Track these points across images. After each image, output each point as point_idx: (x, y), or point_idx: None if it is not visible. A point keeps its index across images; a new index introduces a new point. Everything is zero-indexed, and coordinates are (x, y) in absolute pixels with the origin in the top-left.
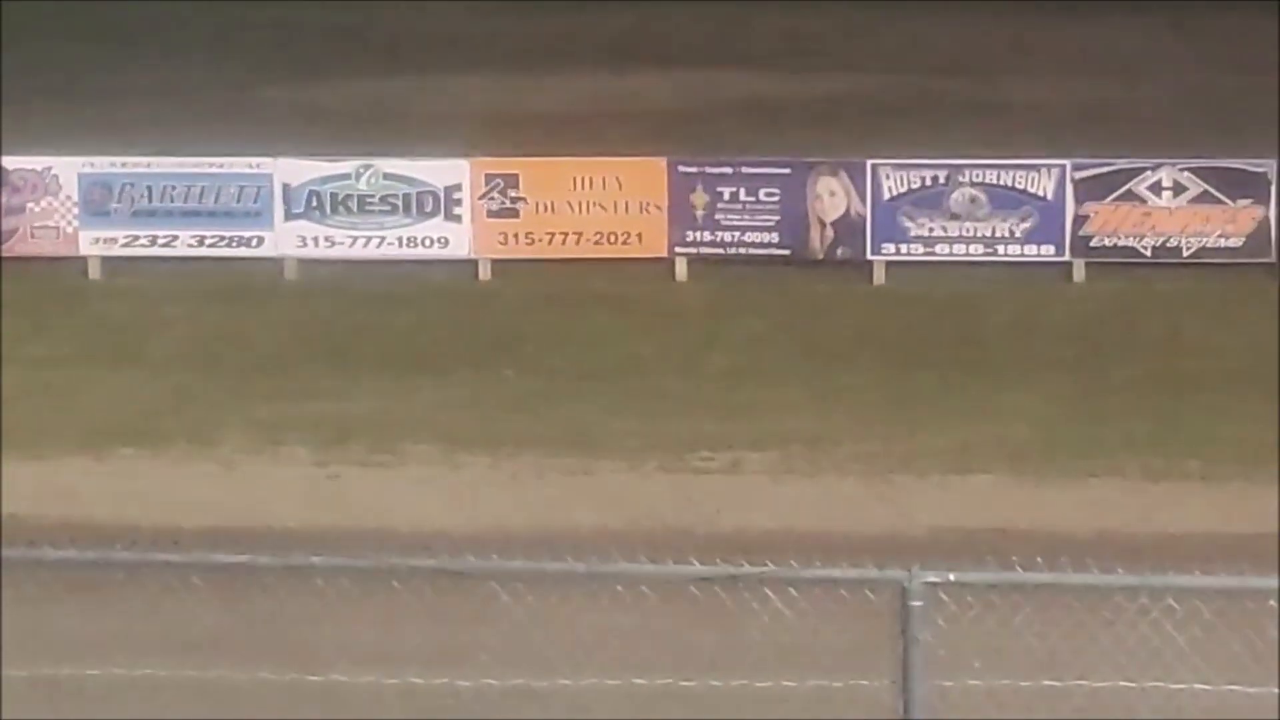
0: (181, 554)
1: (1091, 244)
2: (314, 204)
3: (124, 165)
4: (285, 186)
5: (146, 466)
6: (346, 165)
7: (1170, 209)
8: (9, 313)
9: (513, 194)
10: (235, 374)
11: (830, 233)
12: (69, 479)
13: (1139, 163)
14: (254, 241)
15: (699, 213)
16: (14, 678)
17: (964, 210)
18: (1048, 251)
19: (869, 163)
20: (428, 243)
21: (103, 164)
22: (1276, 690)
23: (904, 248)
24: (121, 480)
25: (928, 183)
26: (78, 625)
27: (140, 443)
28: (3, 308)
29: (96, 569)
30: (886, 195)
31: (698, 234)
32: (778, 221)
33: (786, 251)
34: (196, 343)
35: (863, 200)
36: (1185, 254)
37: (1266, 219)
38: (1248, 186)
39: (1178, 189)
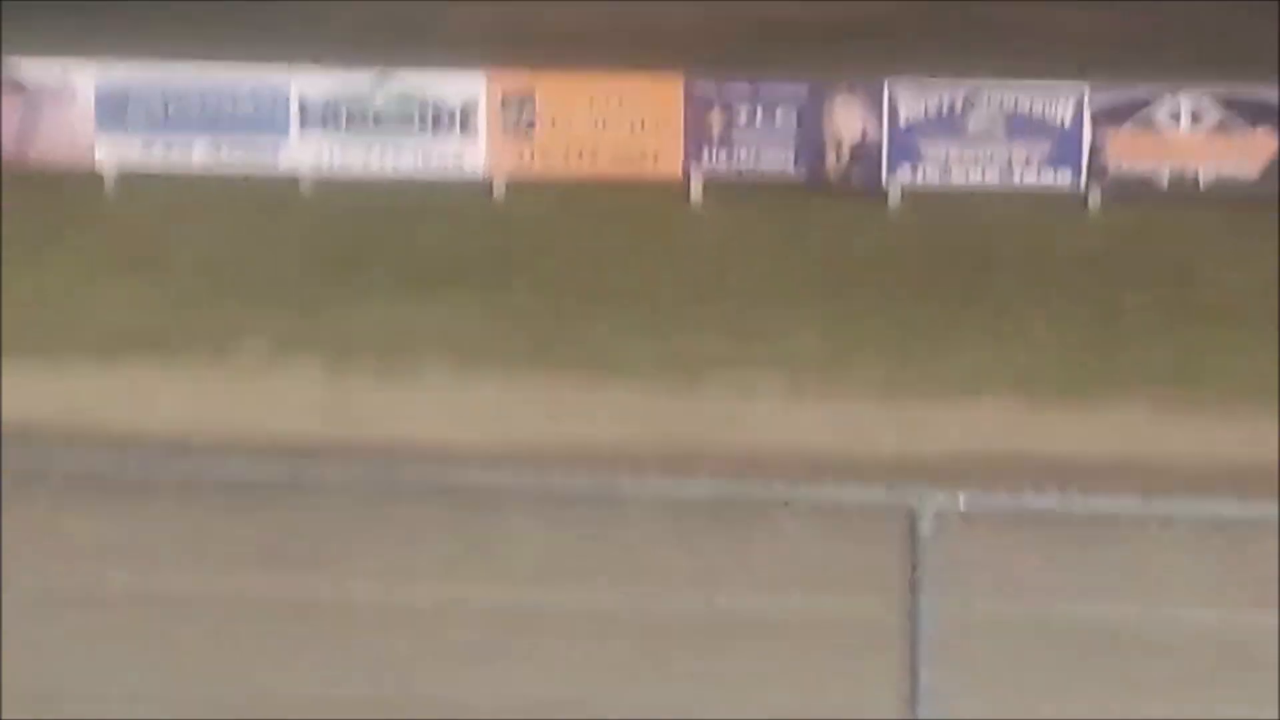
0: (193, 464)
1: (1108, 172)
2: (330, 118)
3: (140, 75)
4: (302, 99)
5: (159, 376)
6: (363, 77)
7: (1188, 137)
8: (24, 222)
9: (529, 112)
10: (249, 286)
11: (846, 156)
12: (82, 387)
13: (1158, 88)
14: (269, 154)
15: (715, 132)
16: (22, 586)
17: (981, 133)
18: (1064, 178)
19: (886, 82)
20: (443, 159)
21: (119, 74)
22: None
23: (920, 172)
24: (134, 389)
25: (945, 105)
26: (88, 534)
27: (153, 352)
28: (16, 217)
29: (108, 478)
30: (903, 118)
31: (713, 154)
32: (794, 143)
33: (802, 174)
34: (211, 254)
35: (879, 123)
36: (1202, 184)
37: None
38: (1268, 116)
39: (1196, 117)
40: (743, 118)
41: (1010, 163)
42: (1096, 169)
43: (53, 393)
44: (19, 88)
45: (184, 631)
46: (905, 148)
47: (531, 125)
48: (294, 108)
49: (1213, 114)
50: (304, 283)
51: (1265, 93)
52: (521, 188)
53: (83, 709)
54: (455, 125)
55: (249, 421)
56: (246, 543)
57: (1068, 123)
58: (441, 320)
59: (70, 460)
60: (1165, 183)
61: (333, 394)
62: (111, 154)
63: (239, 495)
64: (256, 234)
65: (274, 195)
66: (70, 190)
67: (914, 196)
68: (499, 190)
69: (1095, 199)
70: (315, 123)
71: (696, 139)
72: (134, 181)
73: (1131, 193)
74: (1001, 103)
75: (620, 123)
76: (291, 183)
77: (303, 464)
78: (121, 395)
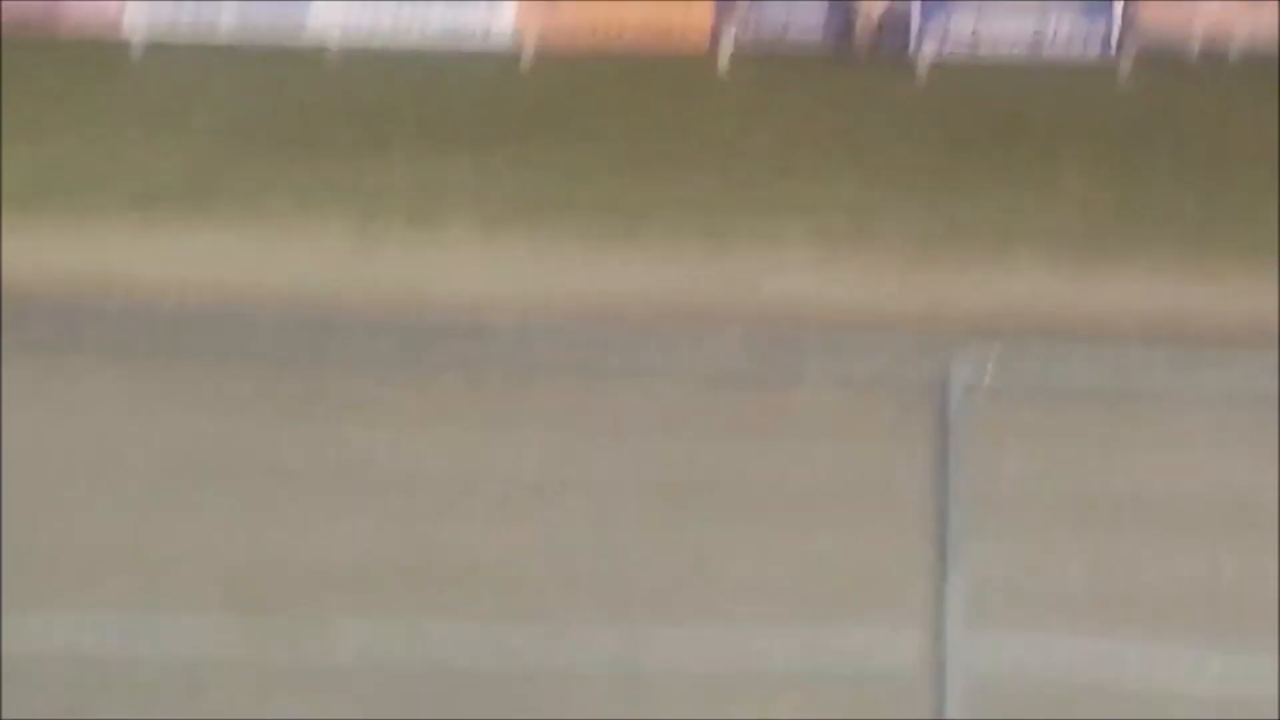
0: (222, 317)
1: (1138, 38)
2: None
3: None
4: None
5: (190, 231)
6: None
7: (1219, 4)
8: (54, 88)
9: None
10: (279, 145)
11: (875, 25)
12: (111, 246)
13: None
14: (296, 20)
15: (742, 1)
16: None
17: (1010, 2)
18: (1094, 47)
19: None
20: (471, 25)
21: None
22: None
23: (948, 41)
24: (163, 248)
25: None
26: (122, 384)
27: (184, 208)
28: (47, 83)
29: (139, 330)
30: None
31: (740, 24)
32: (822, 13)
33: (830, 44)
34: (241, 114)
35: None
36: (1231, 50)
37: None
38: None
39: None
40: None
41: (1040, 31)
42: (1127, 36)
43: (83, 252)
44: None
45: (211, 488)
46: (934, 17)
47: None
48: None
49: None
50: (333, 142)
51: None
52: (549, 54)
53: (98, 568)
54: None
55: (277, 280)
56: (274, 397)
57: None
58: (468, 178)
59: (98, 318)
60: (1195, 48)
61: (360, 252)
62: (139, 22)
63: (265, 351)
64: (284, 96)
65: (301, 60)
66: (99, 58)
67: (942, 65)
68: (527, 56)
69: (1125, 66)
70: None
71: (724, 9)
72: (162, 49)
73: (1161, 59)
74: None
75: None
76: (319, 48)
77: (332, 317)
78: (150, 254)
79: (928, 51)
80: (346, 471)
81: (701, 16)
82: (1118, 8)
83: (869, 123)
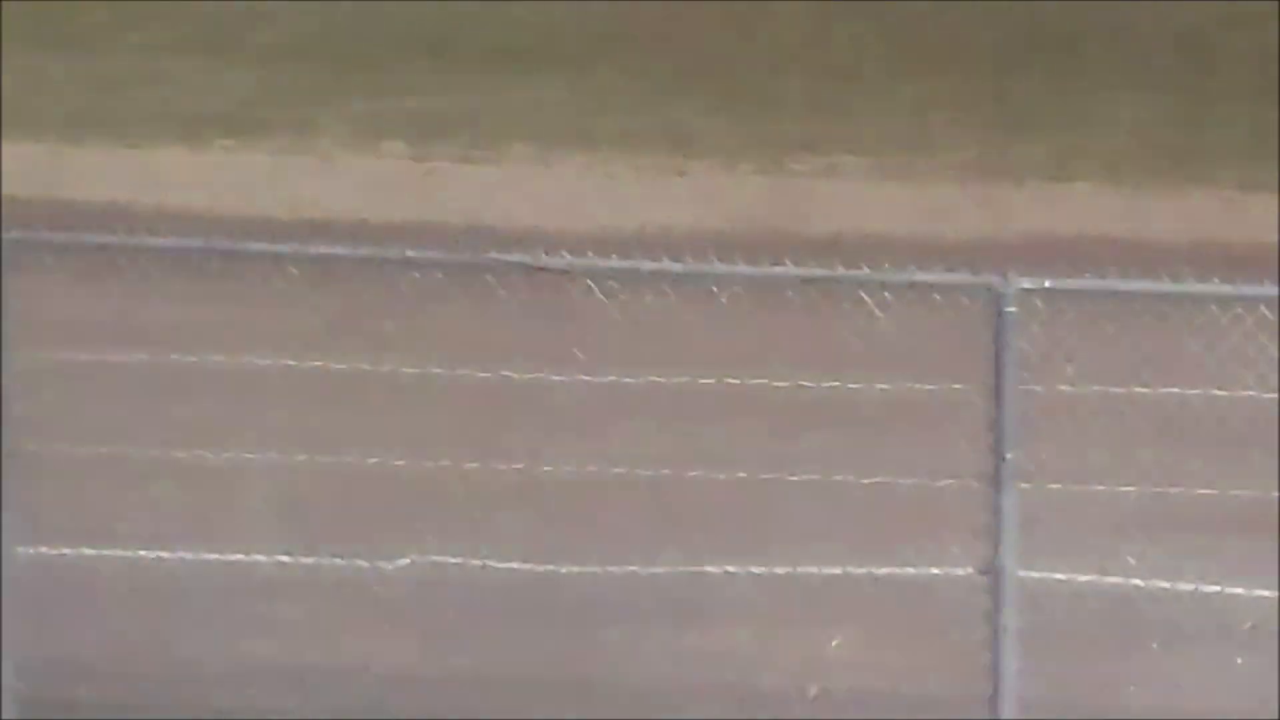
0: (279, 244)
1: None
2: None
3: None
4: None
5: (244, 158)
6: None
7: None
8: (102, 7)
9: None
10: (333, 68)
11: None
12: (166, 168)
13: None
14: None
15: None
16: (112, 362)
17: None
18: None
19: None
20: None
21: None
22: None
23: None
24: (219, 171)
25: None
26: (176, 313)
27: (238, 134)
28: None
29: (195, 258)
30: None
31: None
32: None
33: None
34: (296, 36)
35: None
36: None
37: None
38: None
39: None
40: None
41: None
42: None
43: (137, 174)
44: None
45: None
46: None
47: None
48: None
49: None
50: (389, 65)
51: None
52: None
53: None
54: None
55: (332, 203)
56: (330, 320)
57: None
58: (525, 101)
59: (154, 240)
60: None
61: (417, 175)
62: None
63: (324, 276)
64: (340, 15)
65: None
66: None
67: None
68: None
69: None
70: None
71: None
72: None
73: None
74: None
75: None
76: None
77: (387, 245)
78: (205, 177)
79: None
80: (399, 396)
81: None
82: None
83: (926, 39)
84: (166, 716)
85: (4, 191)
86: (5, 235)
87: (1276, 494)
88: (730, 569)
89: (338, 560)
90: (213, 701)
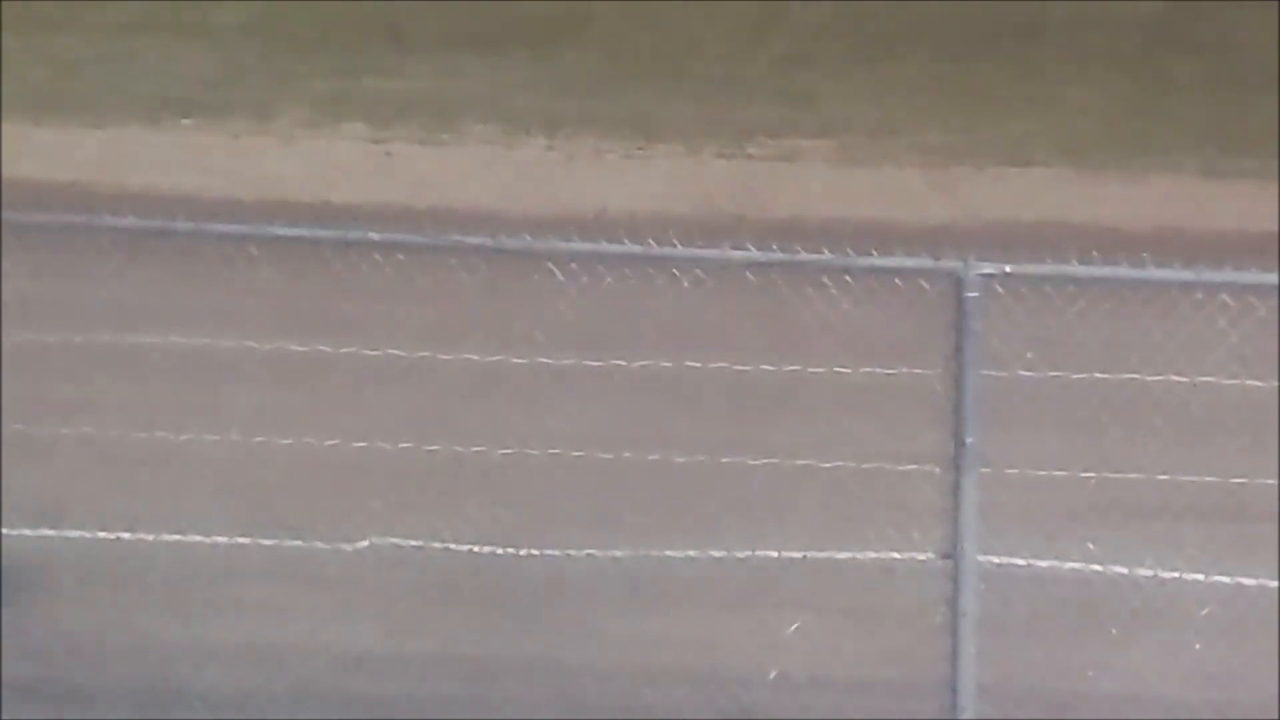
0: (240, 225)
1: None
2: None
3: None
4: None
5: (205, 139)
6: None
7: None
8: None
9: None
10: (295, 49)
11: None
12: (129, 148)
13: None
14: None
15: None
16: (72, 343)
17: None
18: None
19: None
20: None
21: None
22: None
23: None
24: (180, 151)
25: None
26: (137, 294)
27: (199, 115)
28: None
29: (156, 238)
30: None
31: None
32: None
33: None
34: (257, 16)
35: None
36: None
37: None
38: None
39: None
40: None
41: None
42: None
43: (97, 155)
44: None
45: (229, 388)
46: None
47: None
48: None
49: None
50: (350, 45)
51: None
52: None
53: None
54: None
55: (293, 184)
56: (291, 301)
57: None
58: (486, 82)
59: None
60: None
61: (377, 157)
62: None
63: (283, 257)
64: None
65: None
66: None
67: None
68: None
69: None
70: None
71: None
72: None
73: None
74: None
75: None
76: None
77: (348, 226)
78: (166, 157)
79: None
80: (360, 377)
81: None
82: None
83: (888, 22)
84: (126, 697)
85: None
86: None
87: (1235, 480)
88: (690, 552)
89: (297, 542)
90: (172, 682)
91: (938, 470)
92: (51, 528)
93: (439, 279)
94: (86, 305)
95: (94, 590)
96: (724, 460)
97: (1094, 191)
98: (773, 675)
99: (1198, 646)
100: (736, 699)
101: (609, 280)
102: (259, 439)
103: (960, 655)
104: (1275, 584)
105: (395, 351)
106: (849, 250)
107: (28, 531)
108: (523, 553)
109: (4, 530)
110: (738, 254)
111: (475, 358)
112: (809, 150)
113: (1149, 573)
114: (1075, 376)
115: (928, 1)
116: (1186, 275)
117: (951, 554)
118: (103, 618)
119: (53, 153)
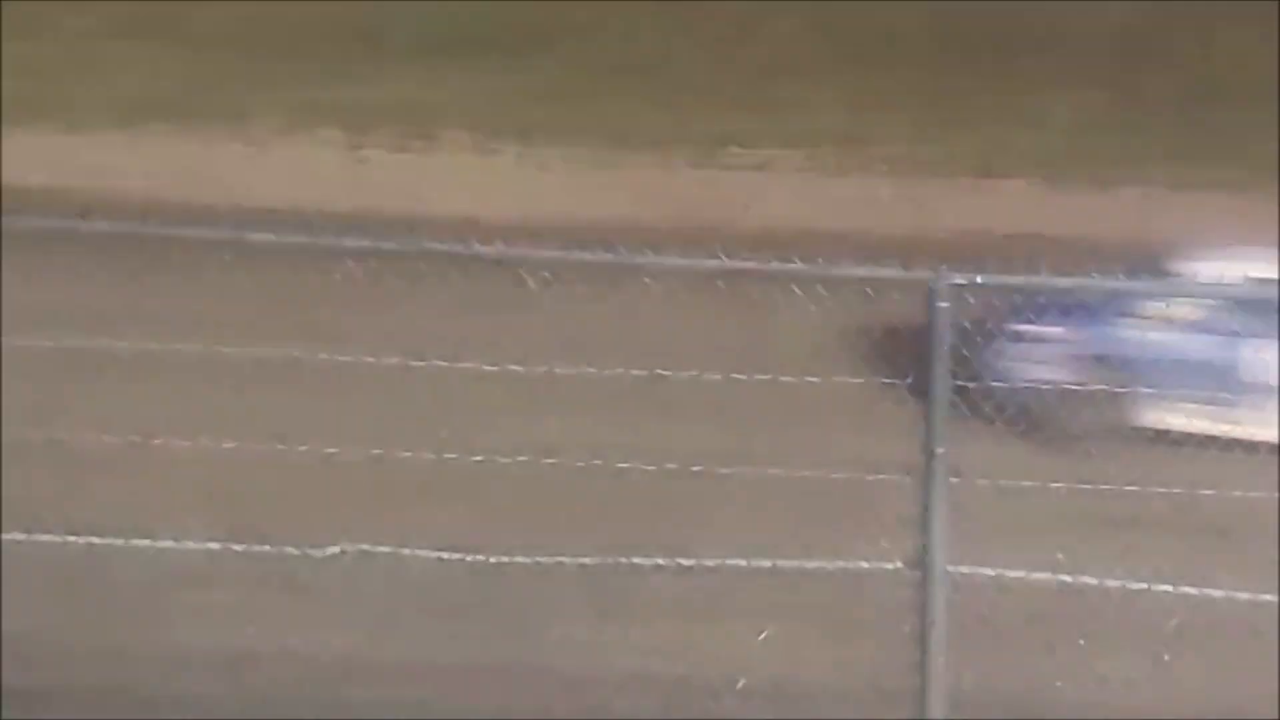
0: (213, 231)
1: None
2: None
3: None
4: None
5: (179, 144)
6: None
7: None
8: None
9: None
10: (269, 56)
11: None
12: (101, 153)
13: None
14: None
15: None
16: (41, 348)
17: None
18: None
19: None
20: None
21: None
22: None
23: None
24: (153, 156)
25: None
26: (107, 299)
27: (173, 120)
28: None
29: (127, 243)
30: None
31: None
32: None
33: None
34: (232, 23)
35: None
36: None
37: None
38: None
39: None
40: None
41: None
42: None
43: (71, 159)
44: None
45: (201, 393)
46: None
47: None
48: None
49: None
50: (324, 53)
51: None
52: None
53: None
54: None
55: (267, 190)
56: (264, 308)
57: None
58: (460, 91)
59: (88, 225)
60: None
61: (351, 163)
62: None
63: (257, 263)
64: (276, 3)
65: None
66: None
67: None
68: None
69: None
70: None
71: None
72: None
73: None
74: None
75: None
76: None
77: (322, 233)
78: (140, 162)
79: None
80: (332, 384)
81: None
82: None
83: (860, 33)
84: (96, 703)
85: None
86: None
87: (1205, 492)
88: (659, 561)
89: (267, 548)
90: (143, 689)
91: (907, 479)
92: (23, 532)
93: (412, 286)
94: (58, 309)
95: (63, 596)
96: (694, 469)
97: (1064, 203)
98: (741, 684)
99: (1166, 658)
100: (705, 707)
101: (581, 288)
102: (230, 444)
103: (929, 665)
104: (1242, 596)
105: (367, 358)
106: (820, 260)
107: None
108: (492, 560)
109: None
110: (709, 263)
111: (447, 364)
112: (781, 160)
113: (1117, 584)
114: (1044, 385)
115: (899, 14)
116: (1153, 285)
117: (921, 564)
118: (72, 623)
119: (26, 157)
